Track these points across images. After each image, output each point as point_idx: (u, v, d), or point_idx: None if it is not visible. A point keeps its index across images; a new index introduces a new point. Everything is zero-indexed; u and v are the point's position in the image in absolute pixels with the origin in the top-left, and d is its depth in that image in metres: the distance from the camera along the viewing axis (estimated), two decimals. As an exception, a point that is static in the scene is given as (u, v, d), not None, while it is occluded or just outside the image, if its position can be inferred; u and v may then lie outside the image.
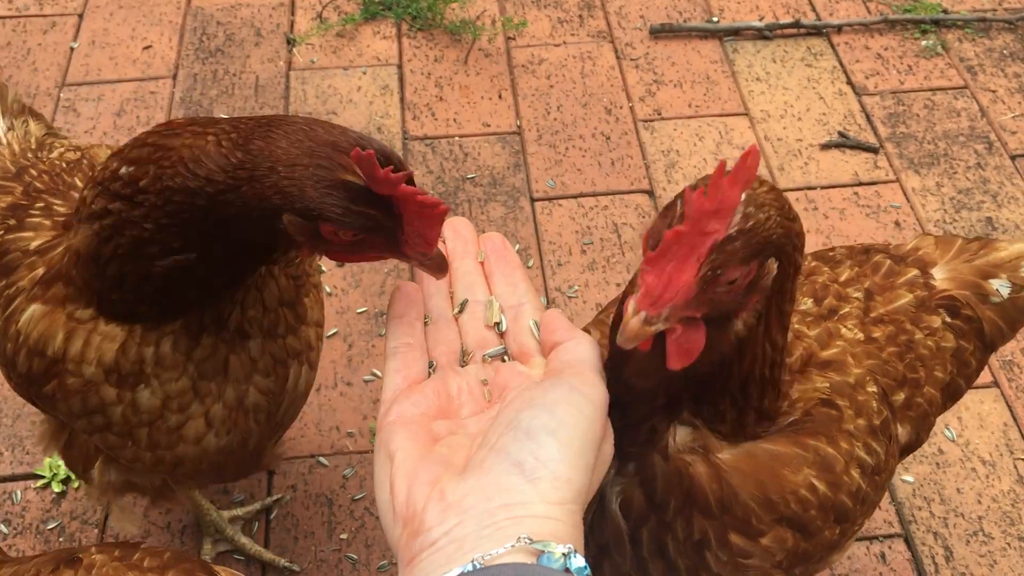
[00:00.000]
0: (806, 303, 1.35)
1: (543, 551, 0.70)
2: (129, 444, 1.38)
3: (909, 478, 2.07)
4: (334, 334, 2.32)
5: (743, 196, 0.92)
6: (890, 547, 1.99)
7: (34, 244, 1.37)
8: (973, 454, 2.11)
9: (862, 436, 1.22)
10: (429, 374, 0.92)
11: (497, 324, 0.94)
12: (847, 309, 1.35)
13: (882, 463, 1.27)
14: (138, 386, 1.33)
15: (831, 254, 1.50)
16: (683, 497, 1.11)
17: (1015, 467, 2.09)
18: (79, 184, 1.46)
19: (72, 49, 2.99)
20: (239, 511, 1.99)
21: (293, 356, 1.44)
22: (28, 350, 1.34)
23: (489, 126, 2.78)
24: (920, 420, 1.38)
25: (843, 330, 1.32)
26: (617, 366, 0.99)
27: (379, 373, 2.25)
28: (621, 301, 1.04)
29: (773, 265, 0.98)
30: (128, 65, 2.95)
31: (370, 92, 2.88)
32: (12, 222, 1.43)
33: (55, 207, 1.42)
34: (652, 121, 2.79)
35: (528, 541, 0.70)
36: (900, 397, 1.33)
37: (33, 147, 1.64)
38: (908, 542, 1.99)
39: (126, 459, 1.44)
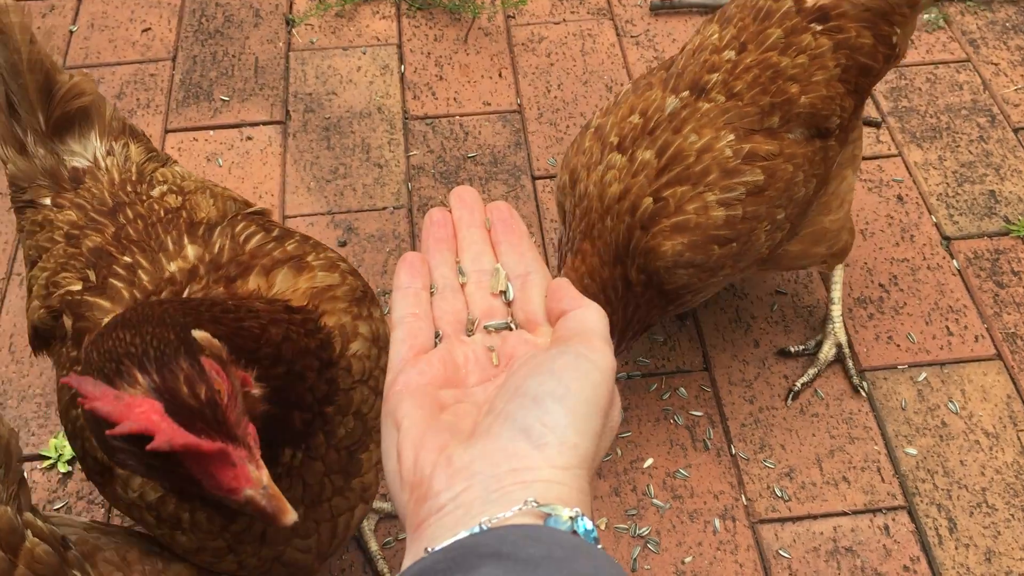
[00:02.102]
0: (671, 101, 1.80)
1: (550, 514, 0.70)
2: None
3: (912, 450, 2.08)
4: (337, 314, 2.32)
5: None
6: (894, 519, 1.99)
7: (107, 321, 1.33)
8: (976, 426, 2.11)
9: (716, 183, 1.71)
10: (436, 344, 0.91)
11: (503, 292, 0.93)
12: (714, 79, 1.76)
13: (761, 181, 1.72)
14: (176, 531, 1.32)
15: (730, 11, 1.85)
16: None
17: (1019, 439, 2.09)
18: (170, 247, 1.38)
19: (71, 32, 2.98)
20: (383, 505, 1.97)
21: (339, 513, 1.39)
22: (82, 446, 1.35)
23: (490, 105, 2.77)
24: (811, 117, 1.76)
25: (705, 106, 1.74)
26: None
27: (382, 352, 2.26)
28: None
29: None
30: (127, 47, 2.94)
31: (370, 72, 2.87)
32: (92, 277, 1.37)
33: (140, 272, 1.35)
34: (653, 98, 2.78)
35: (535, 504, 0.70)
36: (774, 120, 1.74)
37: (133, 178, 1.57)
38: (912, 514, 2.00)
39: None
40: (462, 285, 0.93)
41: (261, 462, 1.01)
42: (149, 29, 3.00)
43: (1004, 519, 1.98)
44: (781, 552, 1.95)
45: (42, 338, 1.51)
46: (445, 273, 0.93)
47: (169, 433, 0.93)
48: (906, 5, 1.81)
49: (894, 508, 2.01)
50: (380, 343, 1.38)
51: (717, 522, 1.99)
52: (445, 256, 0.93)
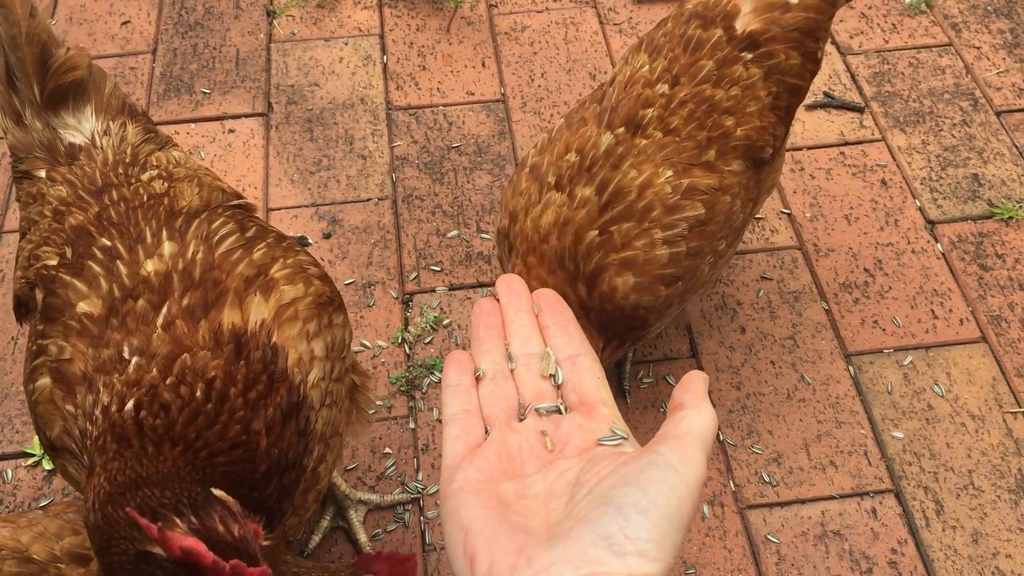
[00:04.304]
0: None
1: None
2: None
3: (899, 434, 2.09)
4: (322, 306, 2.31)
5: None
6: (881, 502, 2.00)
7: (82, 307, 1.32)
8: (962, 409, 2.12)
9: (660, 220, 1.68)
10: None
11: (552, 376, 0.94)
12: (650, 114, 1.73)
13: (703, 215, 1.71)
14: None
15: (658, 41, 1.82)
16: None
17: (1004, 421, 2.10)
18: (148, 239, 1.38)
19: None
20: (371, 496, 1.98)
21: (293, 527, 1.43)
22: (36, 416, 1.34)
23: (473, 94, 2.76)
24: (747, 149, 1.76)
25: (643, 142, 1.72)
26: None
27: (368, 344, 2.25)
28: None
29: None
30: (107, 41, 2.91)
31: (352, 63, 2.85)
32: (69, 254, 1.37)
33: (118, 262, 1.35)
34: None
35: None
36: (711, 154, 1.72)
37: (127, 159, 1.56)
38: (899, 497, 2.01)
39: None
40: (511, 371, 0.94)
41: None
42: (128, 22, 2.97)
43: (990, 500, 1.99)
44: (770, 537, 1.95)
45: (24, 307, 1.52)
46: (496, 359, 0.96)
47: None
48: (828, 19, 1.80)
49: (881, 491, 2.01)
50: (334, 354, 1.39)
51: (706, 508, 1.99)
52: (496, 342, 0.97)
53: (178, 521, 1.06)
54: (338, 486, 1.92)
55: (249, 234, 1.43)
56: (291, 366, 1.30)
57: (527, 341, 0.96)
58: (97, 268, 1.35)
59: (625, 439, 0.88)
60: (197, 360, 1.23)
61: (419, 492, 2.01)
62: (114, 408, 1.20)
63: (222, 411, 1.20)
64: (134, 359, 1.23)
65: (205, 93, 2.77)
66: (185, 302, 1.29)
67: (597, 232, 1.69)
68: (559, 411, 0.92)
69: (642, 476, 0.78)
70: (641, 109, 1.74)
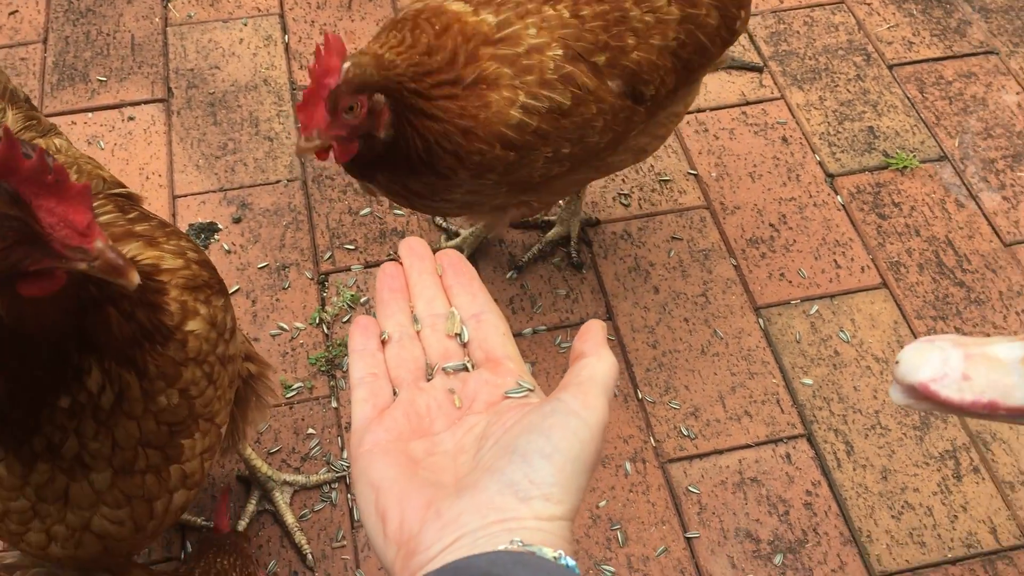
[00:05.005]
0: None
1: (535, 553, 0.73)
2: None
3: (808, 380, 2.16)
4: (236, 291, 2.29)
5: (346, 60, 1.54)
6: (794, 447, 2.07)
7: None
8: (867, 353, 2.21)
9: (528, 87, 1.68)
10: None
11: (458, 334, 0.95)
12: None
13: (565, 107, 1.71)
14: None
15: None
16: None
17: (906, 361, 2.19)
18: None
19: (-70, 18, 2.84)
20: (296, 477, 1.96)
21: (155, 495, 1.35)
22: None
23: (378, 71, 2.74)
24: (632, 76, 1.77)
25: (549, 11, 1.72)
26: None
27: (285, 326, 2.23)
28: None
29: (380, 97, 1.60)
30: (-7, 32, 2.81)
31: (253, 44, 2.80)
32: None
33: None
34: (542, 55, 2.79)
35: (521, 544, 0.73)
36: (601, 59, 1.74)
37: None
38: (811, 441, 2.08)
39: None
40: (417, 333, 0.95)
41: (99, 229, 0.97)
42: (16, 12, 2.87)
43: (897, 438, 2.08)
44: (691, 488, 2.01)
45: None
46: (401, 321, 0.96)
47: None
48: None
49: (794, 437, 2.09)
50: (218, 329, 1.38)
51: (628, 465, 2.04)
52: (400, 305, 0.97)
53: None
54: (260, 468, 1.92)
55: (130, 216, 1.41)
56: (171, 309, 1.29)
57: (432, 302, 0.97)
58: None
59: (531, 391, 0.90)
60: None
61: (344, 470, 2.01)
62: None
63: None
64: None
65: (101, 81, 2.70)
66: None
67: (486, 50, 1.69)
68: (466, 368, 0.93)
69: (545, 423, 0.80)
70: None
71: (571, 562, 0.74)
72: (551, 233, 2.37)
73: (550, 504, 0.76)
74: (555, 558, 0.73)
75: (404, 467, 0.83)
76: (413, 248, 1.01)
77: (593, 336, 0.90)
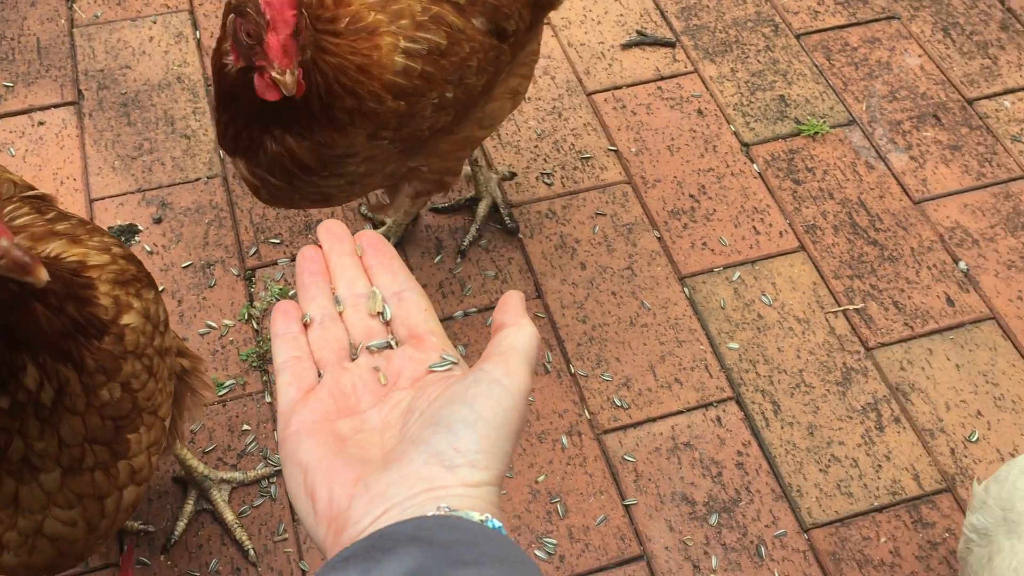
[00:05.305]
0: None
1: (462, 517, 0.74)
2: None
3: (734, 345, 2.22)
4: (161, 291, 2.25)
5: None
6: (724, 410, 2.13)
7: None
8: (789, 314, 2.27)
9: (405, 31, 1.71)
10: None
11: (380, 313, 0.95)
12: None
13: (443, 47, 1.75)
14: None
15: None
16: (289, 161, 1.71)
17: (826, 320, 2.27)
18: None
19: None
20: (234, 474, 1.95)
21: (105, 492, 1.34)
22: None
23: (294, 63, 2.71)
24: (494, 11, 1.82)
25: None
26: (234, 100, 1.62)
27: (214, 324, 2.21)
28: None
29: None
30: None
31: (164, 41, 2.76)
32: None
33: None
34: (458, 40, 2.80)
35: (448, 509, 0.74)
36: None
37: None
38: (739, 403, 2.14)
39: None
40: (340, 314, 0.95)
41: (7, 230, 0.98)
42: (-89, 18, 2.78)
43: (821, 395, 2.15)
44: (626, 457, 2.06)
45: None
46: (323, 304, 0.96)
47: None
48: None
49: (723, 400, 2.14)
50: (153, 322, 1.38)
51: (564, 439, 2.08)
52: (322, 288, 0.97)
53: None
54: (196, 468, 1.90)
55: (49, 216, 1.40)
56: (103, 302, 1.28)
57: (353, 282, 0.97)
58: None
59: (455, 363, 0.91)
60: None
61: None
62: None
63: None
64: None
65: (7, 87, 2.63)
66: None
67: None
68: (390, 346, 0.93)
69: (468, 393, 0.82)
70: None
71: (497, 523, 0.76)
72: (480, 207, 2.39)
73: (476, 471, 0.78)
74: (481, 521, 0.75)
75: (331, 445, 0.83)
76: (332, 231, 1.02)
77: (512, 307, 0.92)
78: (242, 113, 1.66)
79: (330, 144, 1.71)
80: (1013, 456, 2.05)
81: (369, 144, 1.76)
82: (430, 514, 0.74)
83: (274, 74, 1.50)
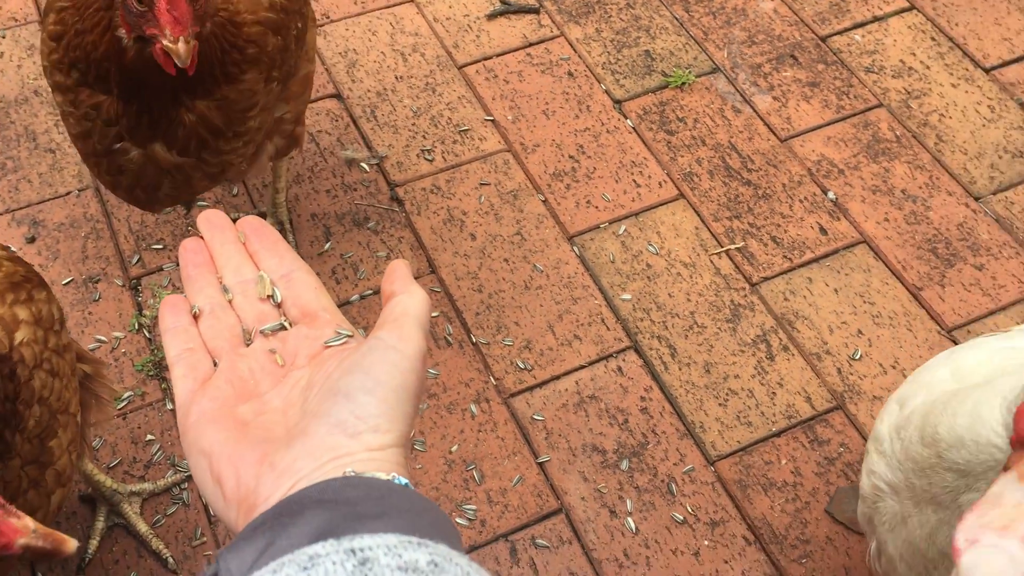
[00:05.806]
0: None
1: (368, 477, 0.75)
2: None
3: (627, 296, 2.28)
4: (44, 312, 2.19)
5: None
6: (624, 360, 2.19)
7: None
8: (676, 260, 2.35)
9: None
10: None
11: (271, 296, 0.95)
12: None
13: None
14: None
15: None
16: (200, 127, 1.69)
17: (711, 262, 2.35)
18: None
19: None
20: (143, 486, 1.91)
21: (39, 506, 1.33)
22: None
23: (156, 64, 2.65)
24: None
25: None
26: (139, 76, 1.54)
27: (104, 338, 2.16)
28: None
29: None
30: None
31: (16, 56, 2.65)
32: None
33: None
34: (323, 25, 2.78)
35: (353, 473, 0.75)
36: None
37: None
38: (638, 351, 2.21)
39: None
40: (230, 302, 0.95)
41: (15, 509, 0.98)
42: None
43: (713, 333, 2.24)
44: (535, 417, 2.10)
45: None
46: (211, 294, 0.94)
47: None
48: None
49: (622, 350, 2.21)
50: (44, 324, 1.36)
51: (473, 407, 2.11)
52: (208, 278, 0.95)
53: None
54: (103, 483, 1.87)
55: None
56: None
57: (239, 269, 0.97)
58: None
59: (351, 336, 0.92)
60: None
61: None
62: None
63: None
64: None
65: None
66: None
67: None
68: (284, 327, 0.93)
69: (365, 361, 0.83)
70: None
71: (404, 480, 0.78)
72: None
73: (379, 435, 0.79)
74: (388, 479, 0.77)
75: (234, 430, 0.84)
76: (212, 220, 1.01)
77: (399, 275, 0.94)
78: (157, 94, 1.60)
79: (236, 98, 1.70)
80: (895, 368, 2.18)
81: (265, 90, 1.76)
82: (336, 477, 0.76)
83: (166, 42, 1.43)
